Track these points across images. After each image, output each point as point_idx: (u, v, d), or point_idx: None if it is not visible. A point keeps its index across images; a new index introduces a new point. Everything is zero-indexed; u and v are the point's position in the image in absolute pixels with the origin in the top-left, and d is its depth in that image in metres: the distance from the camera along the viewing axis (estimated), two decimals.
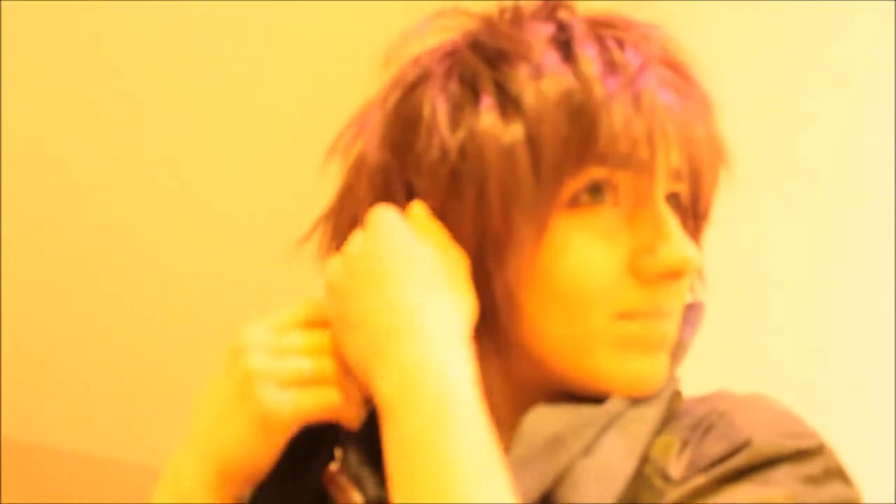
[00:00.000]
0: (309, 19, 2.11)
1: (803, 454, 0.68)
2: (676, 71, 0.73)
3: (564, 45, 0.71)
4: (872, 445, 1.22)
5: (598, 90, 0.68)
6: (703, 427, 0.70)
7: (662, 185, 0.71)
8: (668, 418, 0.73)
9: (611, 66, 0.70)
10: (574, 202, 0.70)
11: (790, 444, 0.67)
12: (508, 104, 0.69)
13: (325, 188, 0.78)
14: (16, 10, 1.97)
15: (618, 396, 0.71)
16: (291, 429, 0.70)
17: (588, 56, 0.70)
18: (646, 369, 0.72)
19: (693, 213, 0.75)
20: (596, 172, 0.69)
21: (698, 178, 0.74)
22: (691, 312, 0.77)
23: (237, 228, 2.36)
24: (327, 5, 2.08)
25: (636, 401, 0.71)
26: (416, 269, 0.68)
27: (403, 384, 0.65)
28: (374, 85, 0.76)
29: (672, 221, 0.71)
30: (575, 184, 0.69)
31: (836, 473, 0.69)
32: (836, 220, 1.38)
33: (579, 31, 0.71)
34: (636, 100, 0.69)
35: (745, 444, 0.67)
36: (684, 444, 0.69)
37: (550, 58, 0.70)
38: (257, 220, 2.35)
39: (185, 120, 2.21)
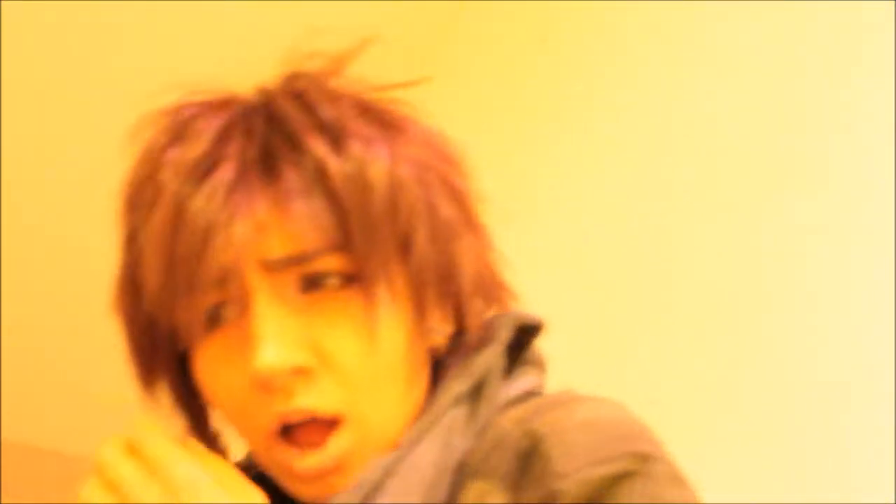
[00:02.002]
0: None
1: (624, 476, 0.65)
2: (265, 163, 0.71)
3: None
4: (872, 445, 1.22)
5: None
6: (523, 460, 0.67)
7: (262, 283, 0.69)
8: (485, 451, 0.70)
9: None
10: (202, 329, 0.71)
11: (607, 472, 0.65)
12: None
13: None
14: (16, 10, 1.97)
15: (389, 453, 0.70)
16: None
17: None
18: (314, 492, 0.71)
19: (361, 277, 0.71)
20: (192, 302, 0.69)
21: (345, 239, 0.70)
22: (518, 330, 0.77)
23: None
24: None
25: (414, 442, 0.70)
26: None
27: None
28: None
29: (261, 325, 0.68)
30: (187, 315, 0.70)
31: (667, 481, 0.66)
32: (836, 222, 1.37)
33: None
34: (173, 239, 0.69)
35: (555, 494, 0.65)
36: (505, 485, 0.67)
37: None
38: None
39: None
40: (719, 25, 1.64)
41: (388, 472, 0.68)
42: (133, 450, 0.66)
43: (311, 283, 0.70)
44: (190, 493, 0.63)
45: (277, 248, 0.69)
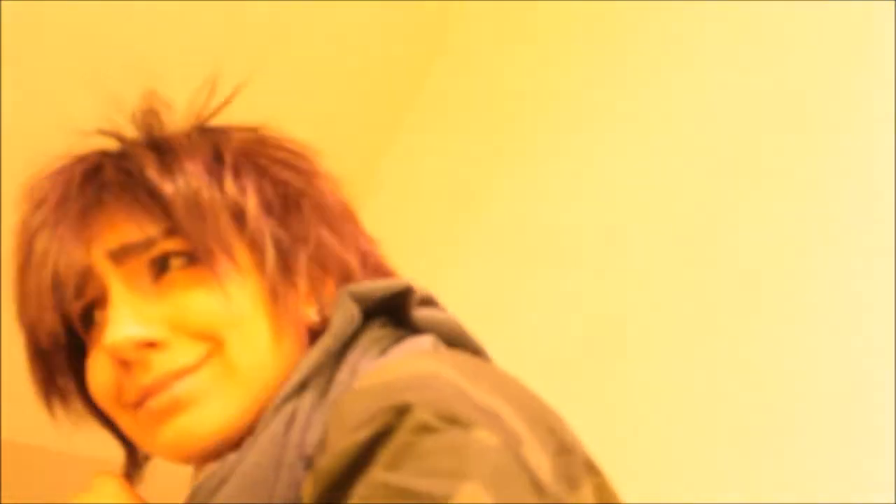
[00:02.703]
0: None
1: (381, 436, 0.60)
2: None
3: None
4: (872, 445, 1.22)
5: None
6: (323, 441, 0.66)
7: (114, 276, 0.77)
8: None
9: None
10: (85, 332, 0.80)
11: (362, 437, 0.60)
12: None
13: None
14: (16, 9, 1.97)
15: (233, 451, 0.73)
16: None
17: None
18: (170, 437, 0.76)
19: (199, 254, 0.77)
20: (65, 315, 0.78)
21: (174, 227, 0.77)
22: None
23: None
24: None
25: (252, 439, 0.73)
26: None
27: None
28: None
29: (115, 309, 0.76)
30: (52, 327, 0.80)
31: (423, 429, 0.59)
32: (836, 222, 1.38)
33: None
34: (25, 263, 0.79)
35: (316, 473, 0.63)
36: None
37: None
38: None
39: None
40: (719, 25, 1.64)
41: (223, 479, 0.72)
42: None
43: (161, 268, 0.78)
44: None
45: (118, 240, 0.77)
